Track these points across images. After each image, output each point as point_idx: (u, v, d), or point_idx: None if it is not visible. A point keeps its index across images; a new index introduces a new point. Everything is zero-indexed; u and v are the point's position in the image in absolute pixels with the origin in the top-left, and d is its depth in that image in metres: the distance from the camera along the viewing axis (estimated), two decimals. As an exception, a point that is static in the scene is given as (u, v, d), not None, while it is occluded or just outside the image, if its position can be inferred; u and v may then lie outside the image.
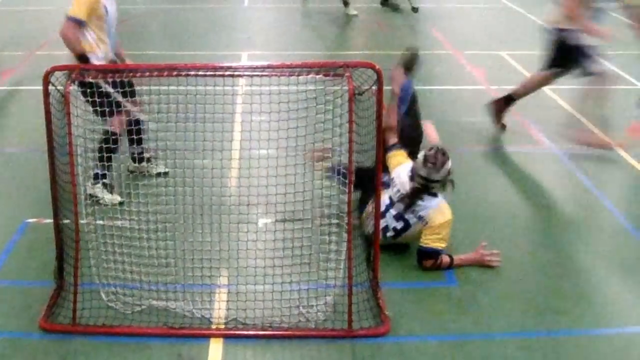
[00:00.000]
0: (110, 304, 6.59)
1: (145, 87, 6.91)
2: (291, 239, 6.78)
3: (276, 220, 7.61)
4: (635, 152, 10.16)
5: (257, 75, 6.59)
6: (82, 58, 8.16)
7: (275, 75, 6.47)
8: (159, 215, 7.20)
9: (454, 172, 7.44)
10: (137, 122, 8.04)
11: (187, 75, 6.44)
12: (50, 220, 6.80)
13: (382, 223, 7.34)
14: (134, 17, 18.66)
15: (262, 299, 6.59)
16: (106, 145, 8.00)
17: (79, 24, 8.21)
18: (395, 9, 18.59)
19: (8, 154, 10.15)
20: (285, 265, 6.70)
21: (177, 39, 16.65)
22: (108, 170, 8.34)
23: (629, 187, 9.31)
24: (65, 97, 6.21)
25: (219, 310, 6.66)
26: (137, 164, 8.91)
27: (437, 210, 7.37)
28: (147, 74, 6.41)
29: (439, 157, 7.30)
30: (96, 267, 6.74)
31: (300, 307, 6.61)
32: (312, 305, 6.62)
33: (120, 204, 8.08)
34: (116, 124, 7.95)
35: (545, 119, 11.56)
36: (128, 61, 8.86)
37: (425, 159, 7.31)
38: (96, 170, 8.40)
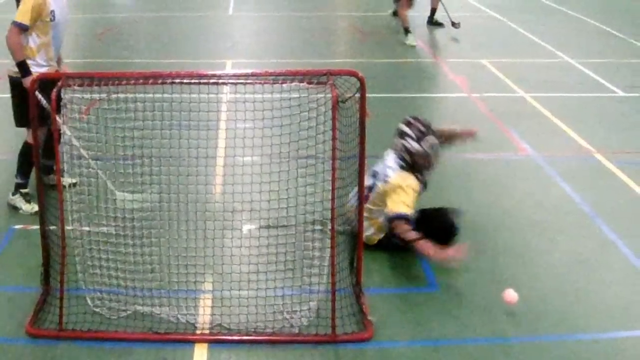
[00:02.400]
0: (96, 310, 6.60)
1: (130, 95, 6.94)
2: (275, 245, 6.82)
3: (260, 227, 7.64)
4: (617, 159, 10.23)
5: (242, 83, 6.62)
6: (21, 66, 7.99)
7: (259, 83, 6.51)
8: (145, 222, 7.22)
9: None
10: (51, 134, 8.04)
11: (172, 83, 6.47)
12: (36, 227, 6.82)
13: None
14: (119, 24, 18.66)
15: (246, 305, 6.61)
16: (27, 156, 8.11)
17: (24, 29, 7.99)
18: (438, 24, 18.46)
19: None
20: (269, 271, 6.74)
21: (162, 47, 16.64)
22: (26, 180, 8.43)
23: (609, 193, 9.36)
24: (51, 105, 6.23)
25: (204, 315, 6.69)
26: (46, 176, 8.33)
27: (400, 174, 7.51)
28: (133, 81, 6.43)
29: (428, 129, 7.62)
30: (82, 273, 6.76)
31: (285, 313, 6.63)
32: (296, 311, 6.65)
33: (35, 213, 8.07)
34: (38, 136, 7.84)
35: (526, 126, 11.62)
36: (65, 67, 8.73)
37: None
38: (16, 180, 8.50)
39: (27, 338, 6.35)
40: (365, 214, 7.29)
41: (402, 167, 7.57)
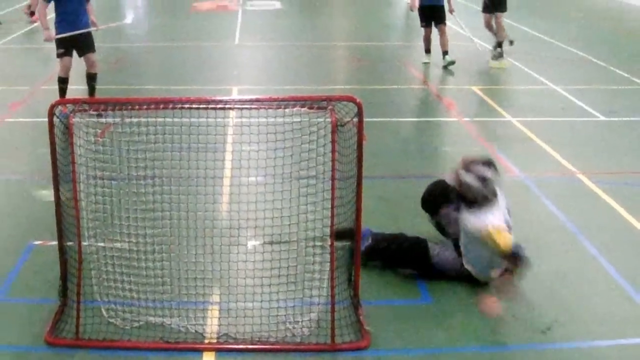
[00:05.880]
0: (110, 320, 6.62)
1: (143, 119, 6.99)
2: (278, 260, 6.83)
3: (264, 243, 7.65)
4: (598, 179, 10.26)
5: (247, 108, 6.67)
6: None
7: (264, 108, 6.55)
8: (156, 238, 7.24)
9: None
10: None
11: (182, 108, 6.51)
12: (54, 243, 6.84)
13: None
14: (132, 54, 18.72)
15: (251, 316, 6.63)
16: None
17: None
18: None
19: (15, 181, 10.16)
20: (272, 284, 6.76)
21: (172, 75, 16.69)
22: None
23: (592, 211, 9.38)
24: (69, 129, 6.27)
25: (212, 325, 6.70)
26: None
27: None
28: (145, 107, 6.47)
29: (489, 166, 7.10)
30: (97, 286, 6.80)
31: (287, 323, 6.65)
32: (298, 321, 6.67)
33: None
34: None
35: (514, 148, 11.65)
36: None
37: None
38: None
39: (46, 346, 6.38)
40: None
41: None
